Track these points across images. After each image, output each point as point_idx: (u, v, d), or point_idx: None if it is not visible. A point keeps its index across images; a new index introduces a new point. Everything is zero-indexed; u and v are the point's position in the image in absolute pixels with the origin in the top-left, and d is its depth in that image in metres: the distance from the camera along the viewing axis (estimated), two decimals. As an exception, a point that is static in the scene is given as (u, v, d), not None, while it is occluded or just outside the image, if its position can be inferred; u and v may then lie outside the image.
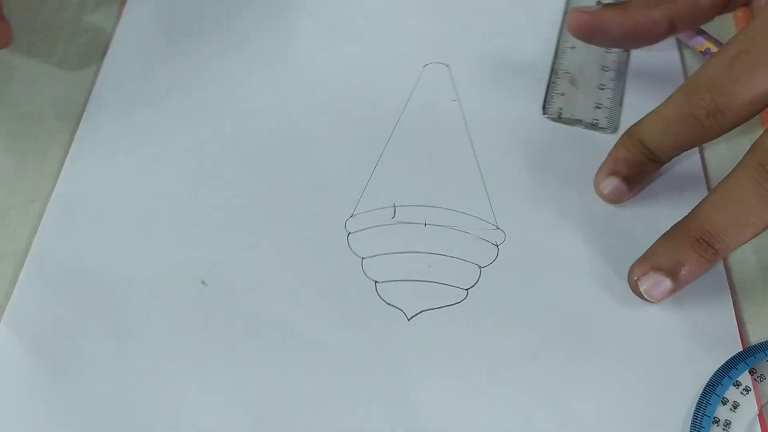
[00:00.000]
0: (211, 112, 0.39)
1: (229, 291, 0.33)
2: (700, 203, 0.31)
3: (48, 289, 0.33)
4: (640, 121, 0.34)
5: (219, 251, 0.34)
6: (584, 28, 0.37)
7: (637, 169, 0.35)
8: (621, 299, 0.33)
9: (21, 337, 0.32)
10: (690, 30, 0.39)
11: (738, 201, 0.30)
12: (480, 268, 0.34)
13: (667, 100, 0.33)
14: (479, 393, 0.31)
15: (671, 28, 0.37)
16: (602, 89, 0.40)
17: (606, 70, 0.41)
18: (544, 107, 0.39)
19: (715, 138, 0.32)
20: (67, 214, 0.35)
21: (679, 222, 0.32)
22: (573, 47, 0.42)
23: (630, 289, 0.33)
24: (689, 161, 0.38)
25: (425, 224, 0.35)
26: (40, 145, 0.38)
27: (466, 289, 0.34)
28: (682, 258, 0.31)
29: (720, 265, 0.34)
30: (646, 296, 0.32)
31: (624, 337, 0.32)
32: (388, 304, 0.33)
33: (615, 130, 0.39)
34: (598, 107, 0.39)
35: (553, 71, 0.41)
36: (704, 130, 0.31)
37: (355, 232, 0.35)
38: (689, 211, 0.32)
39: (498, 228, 0.35)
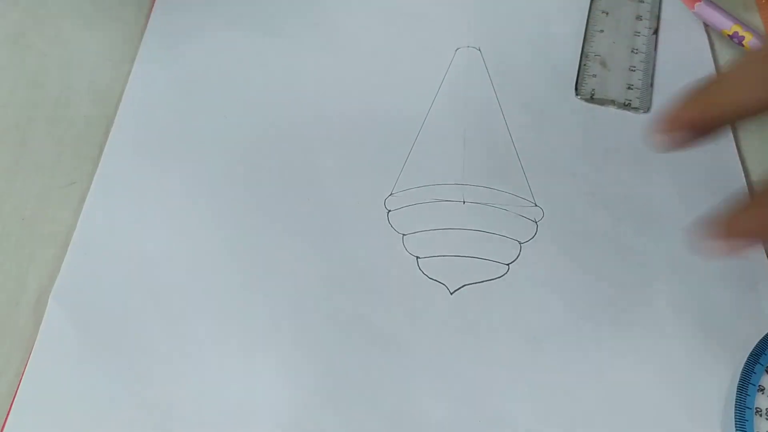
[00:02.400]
0: (247, 99, 0.39)
1: (272, 271, 0.34)
2: None
3: (94, 265, 0.34)
4: (707, 83, 0.27)
5: (260, 232, 0.35)
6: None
7: (692, 128, 0.28)
8: (658, 273, 0.34)
9: (69, 311, 0.32)
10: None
11: None
12: (520, 243, 0.35)
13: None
14: (522, 365, 0.32)
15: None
16: (633, 71, 0.41)
17: (635, 53, 0.41)
18: (576, 88, 0.40)
19: None
20: (109, 194, 0.36)
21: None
22: (601, 30, 0.42)
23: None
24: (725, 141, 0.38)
25: (464, 202, 0.36)
26: (77, 128, 0.38)
27: (507, 264, 0.34)
28: None
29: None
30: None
31: (663, 312, 0.33)
32: (431, 278, 0.34)
33: (647, 109, 0.39)
34: (629, 88, 0.40)
35: (584, 54, 0.41)
36: None
37: (395, 210, 0.35)
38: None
39: (536, 205, 0.36)
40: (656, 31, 0.42)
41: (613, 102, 0.39)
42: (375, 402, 0.31)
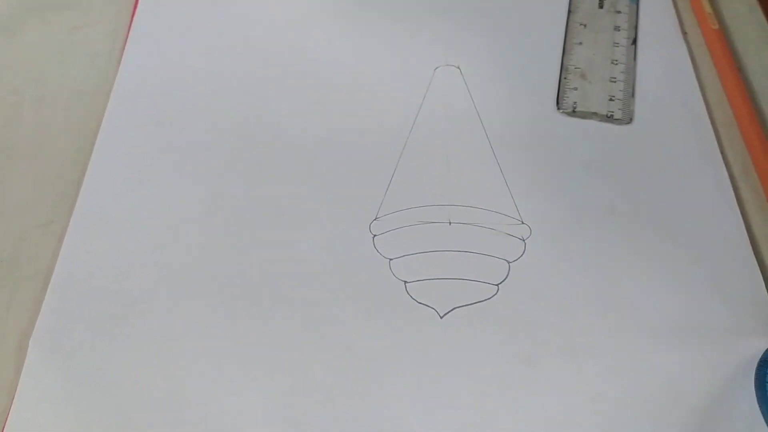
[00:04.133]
0: (228, 125, 0.39)
1: (257, 302, 0.33)
2: None
3: (74, 306, 0.33)
4: None
5: (242, 263, 0.34)
6: None
7: None
8: (650, 287, 0.33)
9: (50, 355, 0.31)
10: None
11: None
12: (509, 263, 0.34)
13: None
14: (516, 388, 0.31)
15: None
16: (613, 82, 0.40)
17: (615, 64, 0.41)
18: (558, 103, 0.39)
19: None
20: (88, 232, 0.35)
21: None
22: (580, 43, 0.42)
23: None
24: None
25: (450, 223, 0.35)
26: (54, 166, 0.38)
27: (497, 285, 0.33)
28: None
29: None
30: None
31: (658, 326, 0.32)
32: (420, 303, 0.33)
33: (630, 120, 0.39)
34: (611, 99, 0.39)
35: (564, 67, 0.41)
36: None
37: (380, 234, 0.35)
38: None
39: (523, 223, 0.35)
40: (635, 41, 0.42)
41: (595, 114, 0.39)
42: (366, 429, 0.30)
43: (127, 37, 0.42)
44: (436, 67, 0.42)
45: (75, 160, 0.38)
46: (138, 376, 0.31)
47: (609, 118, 0.39)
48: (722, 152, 0.38)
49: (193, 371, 0.31)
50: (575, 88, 0.40)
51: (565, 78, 0.41)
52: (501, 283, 0.34)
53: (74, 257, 0.34)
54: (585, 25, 0.43)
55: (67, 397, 0.30)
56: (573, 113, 0.39)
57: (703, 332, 0.32)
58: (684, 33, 0.43)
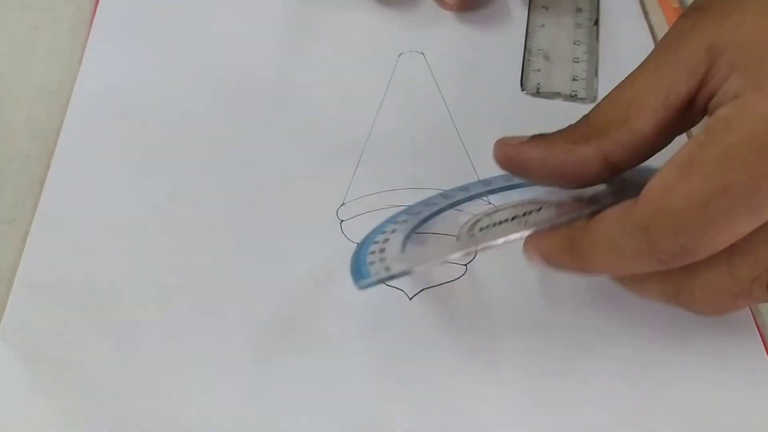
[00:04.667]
0: (191, 119, 0.39)
1: (224, 291, 0.33)
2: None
3: (40, 299, 0.33)
4: (589, 243, 0.26)
5: (210, 252, 0.34)
6: (506, 163, 0.29)
7: (564, 271, 0.28)
8: None
9: (16, 349, 0.31)
10: (634, 166, 0.28)
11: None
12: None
13: (617, 227, 0.25)
14: (487, 366, 0.31)
15: (609, 168, 0.27)
16: (576, 62, 0.41)
17: (578, 44, 0.41)
18: (522, 84, 0.40)
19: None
20: (53, 227, 0.35)
21: None
22: (543, 25, 0.42)
23: None
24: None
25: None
26: (16, 164, 0.37)
27: (465, 265, 0.34)
28: None
29: None
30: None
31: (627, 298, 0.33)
32: (389, 285, 0.33)
33: (594, 99, 0.39)
34: (575, 79, 0.40)
35: (527, 49, 0.41)
36: (663, 265, 0.25)
37: (347, 219, 0.35)
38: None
39: (489, 203, 0.35)
40: (596, 22, 0.43)
41: (559, 95, 0.39)
42: (339, 414, 0.30)
43: (88, 34, 0.42)
44: (400, 53, 0.42)
45: (38, 158, 0.37)
46: (106, 371, 0.31)
47: (573, 98, 0.39)
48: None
49: (161, 364, 0.31)
50: (538, 70, 0.40)
51: (528, 60, 0.41)
52: (469, 263, 0.34)
53: (39, 253, 0.34)
54: (547, 8, 0.43)
55: (35, 393, 0.30)
56: (537, 93, 0.39)
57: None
58: (645, 13, 0.43)
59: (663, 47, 0.26)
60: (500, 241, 0.28)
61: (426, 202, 0.33)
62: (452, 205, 0.33)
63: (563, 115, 0.38)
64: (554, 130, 0.37)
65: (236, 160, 0.37)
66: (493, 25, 0.43)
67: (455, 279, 0.33)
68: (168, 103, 0.39)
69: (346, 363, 0.31)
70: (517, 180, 0.32)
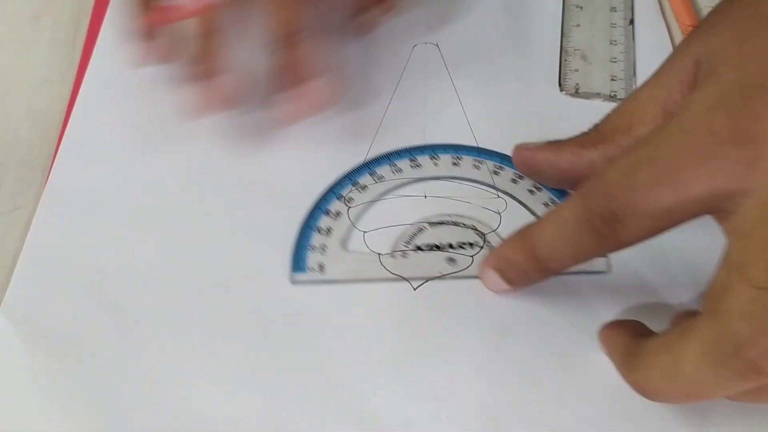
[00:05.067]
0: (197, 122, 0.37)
1: (229, 276, 0.32)
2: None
3: (45, 278, 0.32)
4: (535, 222, 0.29)
5: (213, 238, 0.33)
6: (521, 165, 0.33)
7: (521, 276, 0.30)
8: (625, 265, 0.32)
9: (18, 326, 0.31)
10: None
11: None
12: (484, 235, 0.33)
13: (564, 202, 0.28)
14: (490, 357, 0.30)
15: None
16: (614, 62, 0.38)
17: (614, 44, 0.39)
18: (560, 84, 0.38)
19: (615, 251, 0.27)
20: (59, 206, 0.34)
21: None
22: (578, 25, 0.40)
23: None
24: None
25: (425, 196, 0.34)
26: (18, 153, 0.37)
27: (471, 256, 0.32)
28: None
29: None
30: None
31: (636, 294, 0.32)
32: (394, 275, 0.32)
33: (635, 99, 0.37)
34: (613, 79, 0.38)
35: (563, 49, 0.39)
36: (601, 239, 0.26)
37: (355, 206, 0.34)
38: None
39: (499, 196, 0.34)
40: (632, 22, 0.41)
41: (599, 95, 0.37)
42: (342, 403, 0.29)
43: (89, 24, 0.41)
44: (415, 45, 0.40)
45: (40, 147, 0.37)
46: (108, 352, 0.31)
47: (613, 98, 0.37)
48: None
49: (163, 345, 0.31)
50: (576, 70, 0.38)
51: (565, 60, 0.39)
52: (476, 254, 0.32)
53: (44, 235, 0.34)
54: (581, 7, 0.41)
55: (37, 372, 0.30)
56: (576, 94, 0.37)
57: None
58: (665, 12, 0.42)
59: (664, 62, 0.28)
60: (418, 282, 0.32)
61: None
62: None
63: (603, 114, 0.36)
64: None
65: (244, 145, 0.36)
66: (520, 20, 0.41)
67: (461, 270, 0.32)
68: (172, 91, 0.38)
69: (348, 352, 0.30)
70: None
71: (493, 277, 0.30)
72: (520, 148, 0.32)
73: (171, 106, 0.37)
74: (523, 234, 0.29)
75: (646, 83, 0.28)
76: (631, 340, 0.27)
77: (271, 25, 0.34)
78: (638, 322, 0.28)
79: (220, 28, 0.34)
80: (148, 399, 0.29)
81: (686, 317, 0.26)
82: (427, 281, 0.32)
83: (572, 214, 0.27)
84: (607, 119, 0.30)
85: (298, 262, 0.32)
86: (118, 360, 0.30)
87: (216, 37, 0.34)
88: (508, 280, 0.30)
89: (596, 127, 0.30)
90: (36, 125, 0.38)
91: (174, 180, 0.35)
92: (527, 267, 0.29)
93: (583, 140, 0.30)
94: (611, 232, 0.26)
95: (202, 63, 0.34)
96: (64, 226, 0.34)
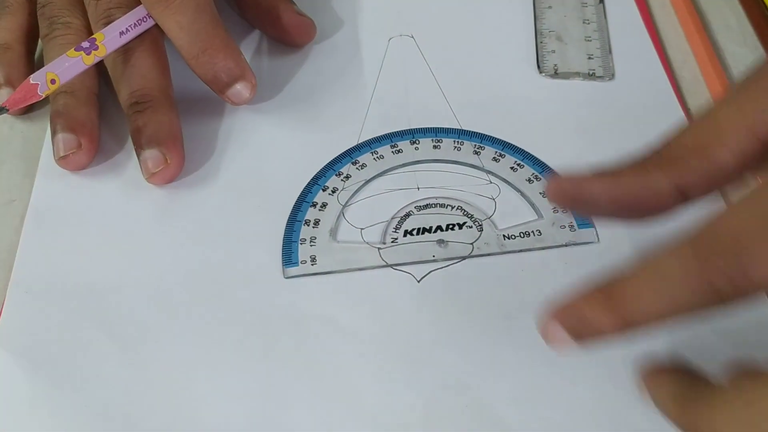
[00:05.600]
0: (197, 107, 0.38)
1: (225, 284, 0.32)
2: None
3: (37, 303, 0.32)
4: (624, 276, 0.24)
5: (205, 244, 0.33)
6: (565, 200, 0.27)
7: (596, 334, 0.24)
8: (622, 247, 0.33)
9: (16, 356, 0.30)
10: (707, 196, 0.26)
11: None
12: (481, 221, 0.34)
13: (663, 253, 0.23)
14: (498, 344, 0.30)
15: (682, 197, 0.25)
16: (589, 41, 0.40)
17: (587, 23, 0.41)
18: (538, 66, 0.39)
19: (724, 311, 0.22)
20: (46, 225, 0.34)
21: None
22: (549, 7, 0.42)
23: None
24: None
25: (418, 188, 0.35)
26: (13, 145, 0.37)
27: (471, 243, 0.33)
28: None
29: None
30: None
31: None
32: (396, 269, 0.32)
33: (612, 76, 0.39)
34: (590, 58, 0.39)
35: (538, 31, 0.41)
36: (718, 299, 0.22)
37: (349, 204, 0.34)
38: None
39: (491, 182, 0.35)
40: (601, 0, 0.43)
41: (578, 74, 0.39)
42: (350, 398, 0.29)
43: None
44: (390, 38, 0.41)
45: (35, 140, 0.37)
46: (107, 373, 0.30)
47: (591, 76, 0.39)
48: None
49: (165, 359, 0.30)
50: (553, 51, 0.40)
51: (541, 42, 0.40)
52: (475, 242, 0.33)
53: (33, 252, 0.33)
54: (551, -11, 0.43)
55: (35, 397, 0.29)
56: (555, 75, 0.39)
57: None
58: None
59: (745, 80, 0.25)
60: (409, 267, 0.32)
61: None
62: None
63: (584, 93, 0.38)
64: (578, 109, 0.37)
65: (225, 146, 0.37)
66: (490, 6, 0.43)
67: (463, 259, 0.33)
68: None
69: (355, 348, 0.30)
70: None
71: (559, 333, 0.25)
72: (559, 181, 0.27)
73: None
74: (607, 290, 0.24)
75: (724, 102, 0.25)
76: (686, 385, 0.24)
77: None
78: (684, 361, 0.25)
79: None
80: (155, 411, 0.29)
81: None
82: (431, 272, 0.32)
83: (681, 270, 0.22)
84: (676, 140, 0.25)
85: (289, 256, 0.33)
86: (121, 378, 0.30)
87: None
88: (578, 337, 0.25)
89: (657, 151, 0.25)
90: (30, 117, 0.38)
91: (157, 188, 0.35)
92: (607, 327, 0.24)
93: (644, 164, 0.25)
94: (734, 293, 0.21)
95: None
96: (51, 248, 0.33)
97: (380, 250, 0.33)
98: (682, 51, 0.41)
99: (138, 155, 0.34)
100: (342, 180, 0.35)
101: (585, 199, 0.26)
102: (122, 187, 0.35)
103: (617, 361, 0.29)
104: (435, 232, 0.33)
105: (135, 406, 0.29)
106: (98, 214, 0.34)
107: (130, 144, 0.36)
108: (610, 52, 0.40)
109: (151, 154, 0.34)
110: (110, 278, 0.32)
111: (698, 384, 0.24)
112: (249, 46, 0.41)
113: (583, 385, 0.29)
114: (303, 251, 0.33)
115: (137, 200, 0.35)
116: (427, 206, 0.34)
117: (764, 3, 0.42)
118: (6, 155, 0.37)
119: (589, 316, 0.24)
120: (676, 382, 0.24)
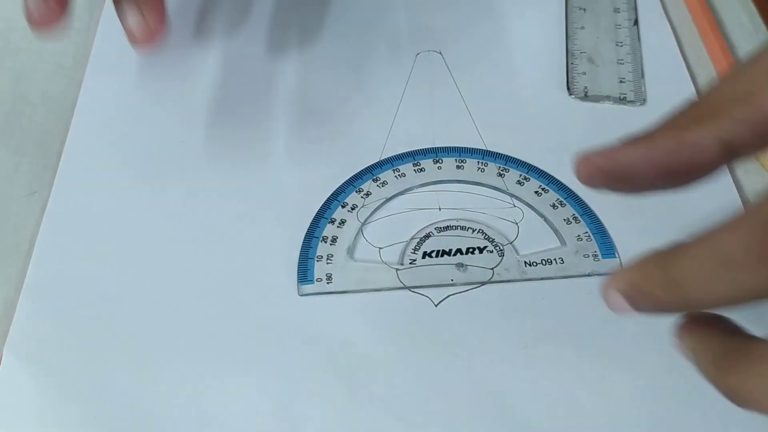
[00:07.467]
0: (201, 118, 0.37)
1: (239, 294, 0.32)
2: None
3: (50, 311, 0.31)
4: (680, 249, 0.21)
5: (220, 256, 0.33)
6: (600, 176, 0.24)
7: (657, 309, 0.22)
8: None
9: (26, 363, 0.30)
10: (756, 152, 0.23)
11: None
12: (502, 246, 0.33)
13: (722, 230, 0.20)
14: (516, 373, 0.30)
15: (728, 152, 0.22)
16: (621, 64, 0.39)
17: (620, 45, 0.40)
18: (568, 88, 0.38)
19: None
20: (59, 234, 0.33)
21: None
22: (582, 27, 0.41)
23: None
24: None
25: (440, 209, 0.34)
26: (34, 137, 0.37)
27: (491, 269, 0.32)
28: None
29: None
30: None
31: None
32: (413, 291, 0.31)
33: (643, 101, 0.38)
34: (622, 81, 0.38)
35: (569, 52, 0.40)
36: None
37: (368, 222, 0.34)
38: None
39: (515, 206, 0.34)
40: (636, 22, 0.42)
41: (608, 98, 0.38)
42: (363, 424, 0.28)
43: (102, 9, 0.42)
44: (418, 53, 0.40)
45: (55, 132, 0.37)
46: (117, 384, 0.29)
47: (622, 100, 0.38)
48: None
49: (177, 370, 0.30)
50: (584, 73, 0.39)
51: (572, 63, 0.39)
52: (496, 267, 0.32)
53: (44, 266, 0.32)
54: (584, 9, 0.42)
55: (44, 402, 0.29)
56: (585, 97, 0.38)
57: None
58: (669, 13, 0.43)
59: None
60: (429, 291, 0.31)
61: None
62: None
63: (614, 118, 0.37)
64: (607, 134, 0.36)
65: (252, 155, 0.36)
66: (528, 26, 0.42)
67: (483, 284, 0.32)
68: (177, 106, 0.38)
69: (370, 372, 0.29)
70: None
71: (619, 301, 0.23)
72: (589, 158, 0.24)
73: (176, 119, 0.37)
74: (662, 262, 0.22)
75: (765, 51, 0.22)
76: (726, 338, 0.22)
77: None
78: (727, 318, 0.23)
79: None
80: (163, 425, 0.28)
81: None
82: (449, 296, 0.31)
83: (740, 246, 0.20)
84: (717, 89, 0.23)
85: (304, 273, 0.32)
86: (131, 390, 0.29)
87: None
88: (638, 309, 0.23)
89: (695, 104, 0.23)
90: (50, 110, 0.38)
91: (175, 199, 0.35)
92: (665, 304, 0.22)
93: (682, 120, 0.23)
94: None
95: None
96: (66, 255, 0.33)
97: (398, 271, 0.32)
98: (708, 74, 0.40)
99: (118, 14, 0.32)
100: (362, 197, 0.34)
101: (622, 171, 0.23)
102: (139, 199, 0.35)
103: (636, 397, 0.29)
104: (455, 255, 0.32)
105: (144, 420, 0.28)
106: (114, 225, 0.34)
107: (151, 153, 0.36)
108: (643, 76, 0.39)
109: (130, 11, 0.31)
110: (124, 288, 0.32)
111: (738, 338, 0.22)
112: (273, 57, 0.40)
113: (601, 417, 0.28)
114: (319, 269, 0.32)
115: (154, 211, 0.34)
116: (447, 228, 0.33)
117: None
118: (27, 148, 0.37)
119: (645, 290, 0.22)
120: (717, 335, 0.22)
